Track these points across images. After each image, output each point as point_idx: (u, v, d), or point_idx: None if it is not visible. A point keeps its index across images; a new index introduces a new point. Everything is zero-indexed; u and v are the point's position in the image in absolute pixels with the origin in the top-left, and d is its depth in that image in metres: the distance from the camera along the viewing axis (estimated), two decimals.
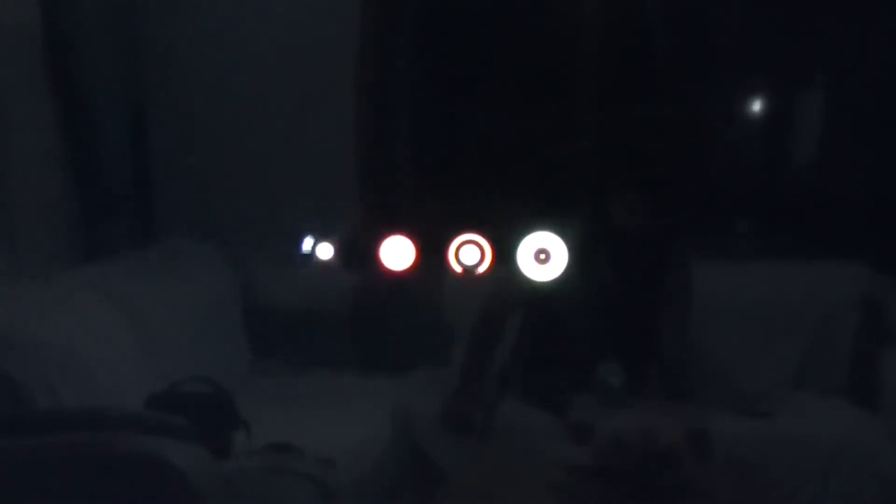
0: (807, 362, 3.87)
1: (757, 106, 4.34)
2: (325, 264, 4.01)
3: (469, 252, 3.20)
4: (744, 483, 2.88)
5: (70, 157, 3.91)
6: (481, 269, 3.20)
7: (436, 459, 3.31)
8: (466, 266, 3.18)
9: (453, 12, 4.32)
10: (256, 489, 2.85)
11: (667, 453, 2.74)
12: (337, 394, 3.72)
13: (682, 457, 2.76)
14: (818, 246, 4.00)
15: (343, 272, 4.03)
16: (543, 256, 2.90)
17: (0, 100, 3.57)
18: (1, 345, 2.88)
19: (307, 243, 4.01)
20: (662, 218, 3.55)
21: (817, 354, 3.85)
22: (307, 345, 4.07)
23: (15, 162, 3.62)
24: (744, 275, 3.97)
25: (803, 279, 3.95)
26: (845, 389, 3.73)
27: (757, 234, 4.26)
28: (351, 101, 4.20)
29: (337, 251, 4.01)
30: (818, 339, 3.86)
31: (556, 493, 2.76)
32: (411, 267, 3.41)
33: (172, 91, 4.29)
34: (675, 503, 2.73)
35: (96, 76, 4.01)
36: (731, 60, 4.22)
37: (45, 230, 3.80)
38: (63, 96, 3.87)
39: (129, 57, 4.23)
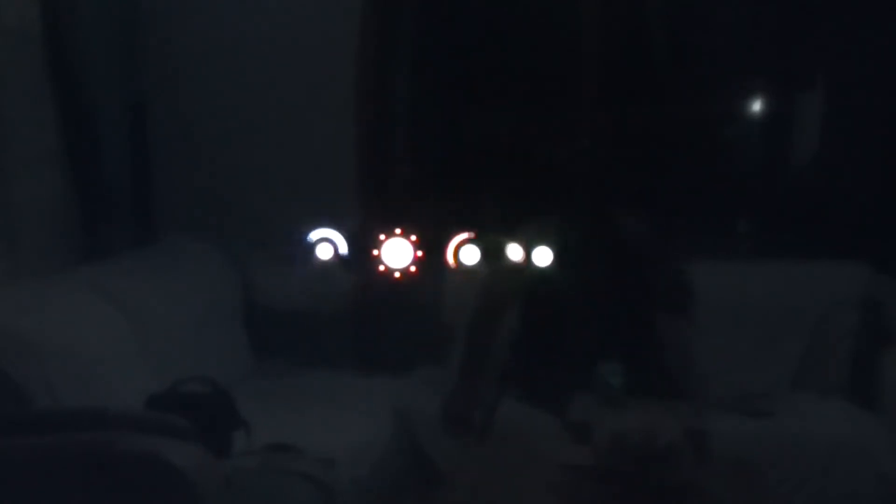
0: (807, 362, 3.87)
1: (757, 106, 4.33)
2: (325, 264, 4.01)
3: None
4: (744, 483, 2.88)
5: (70, 157, 3.91)
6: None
7: (436, 459, 3.31)
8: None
9: (453, 12, 4.31)
10: (256, 489, 2.85)
11: (667, 453, 2.74)
12: (337, 394, 3.72)
13: (682, 457, 2.75)
14: (818, 246, 4.00)
15: (343, 272, 4.04)
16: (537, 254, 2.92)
17: (0, 100, 3.56)
18: (1, 345, 2.88)
19: (307, 242, 4.02)
20: (662, 218, 3.55)
21: (817, 354, 3.85)
22: (307, 345, 4.07)
23: (15, 162, 3.62)
24: (744, 275, 3.97)
25: (803, 279, 3.95)
26: (845, 389, 3.73)
27: (757, 234, 4.26)
28: (351, 100, 4.19)
29: (337, 251, 4.02)
30: (818, 339, 3.86)
31: (556, 493, 2.76)
32: (411, 267, 3.42)
33: (172, 91, 4.28)
34: (674, 503, 2.74)
35: (96, 76, 4.00)
36: (731, 60, 4.21)
37: (45, 230, 3.80)
38: (63, 96, 3.86)
39: (129, 57, 4.22)
